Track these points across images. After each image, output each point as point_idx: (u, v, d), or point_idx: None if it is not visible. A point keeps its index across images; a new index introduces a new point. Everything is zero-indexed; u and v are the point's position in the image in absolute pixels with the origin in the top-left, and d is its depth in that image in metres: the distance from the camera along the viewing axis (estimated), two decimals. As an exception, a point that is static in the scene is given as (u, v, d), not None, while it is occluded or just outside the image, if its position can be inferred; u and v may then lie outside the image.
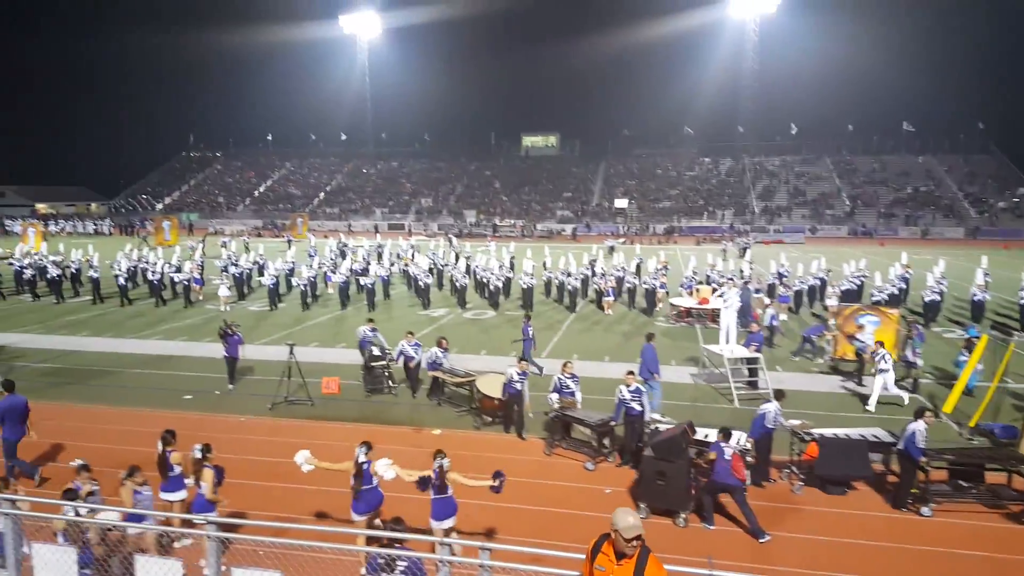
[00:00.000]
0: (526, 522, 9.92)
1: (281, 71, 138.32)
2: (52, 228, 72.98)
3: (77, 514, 7.05)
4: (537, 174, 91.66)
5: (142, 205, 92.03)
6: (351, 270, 30.08)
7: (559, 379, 12.69)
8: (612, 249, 47.89)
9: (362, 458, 8.60)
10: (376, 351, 16.10)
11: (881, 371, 14.83)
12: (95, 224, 78.28)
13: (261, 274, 31.76)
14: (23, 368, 18.58)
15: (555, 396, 12.55)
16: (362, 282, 28.55)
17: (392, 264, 34.56)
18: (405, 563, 6.27)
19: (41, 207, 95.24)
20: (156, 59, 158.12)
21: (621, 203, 79.71)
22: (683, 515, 9.73)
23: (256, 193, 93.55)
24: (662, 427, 11.42)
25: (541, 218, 79.04)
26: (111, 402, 15.72)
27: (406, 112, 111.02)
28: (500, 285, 28.29)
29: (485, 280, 29.57)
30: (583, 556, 5.54)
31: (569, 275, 28.18)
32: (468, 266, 31.46)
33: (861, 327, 17.73)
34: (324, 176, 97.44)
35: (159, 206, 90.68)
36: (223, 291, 27.66)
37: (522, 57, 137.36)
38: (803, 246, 58.53)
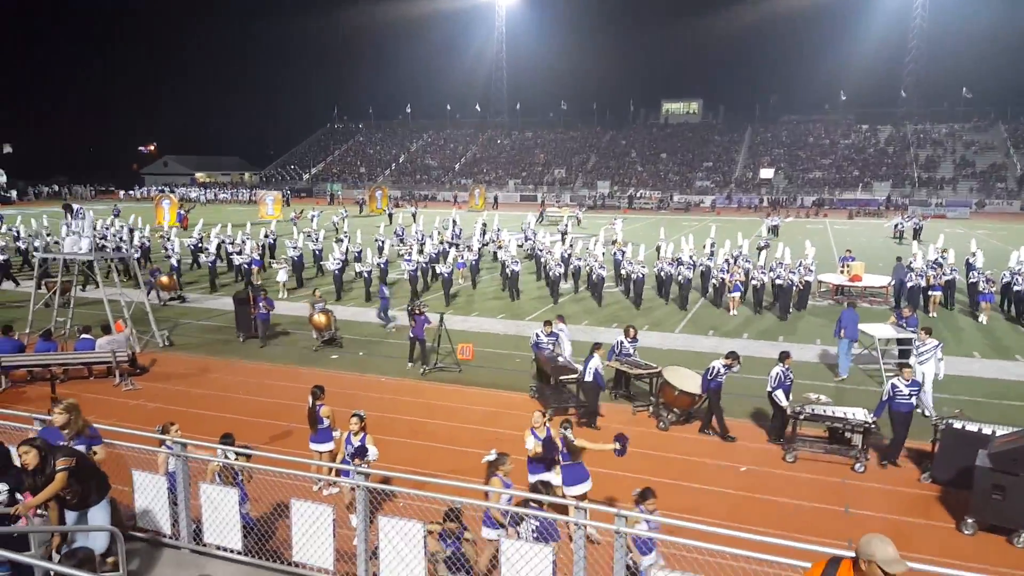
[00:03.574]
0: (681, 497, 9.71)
1: (421, 41, 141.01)
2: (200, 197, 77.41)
3: (226, 458, 7.59)
4: (675, 142, 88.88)
5: (290, 175, 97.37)
6: (430, 256, 26.50)
7: (783, 372, 11.49)
8: (776, 229, 41.49)
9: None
10: (561, 360, 14.02)
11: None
12: (251, 192, 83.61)
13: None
14: (188, 325, 20.36)
15: (781, 392, 11.43)
16: (438, 270, 24.29)
17: (484, 245, 31.07)
18: (537, 523, 6.34)
19: (200, 176, 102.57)
20: (303, 34, 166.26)
21: (767, 173, 75.67)
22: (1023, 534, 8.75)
23: (395, 164, 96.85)
24: (956, 423, 10.05)
25: (679, 189, 76.77)
26: (268, 359, 16.93)
27: (542, 81, 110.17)
28: (603, 274, 23.38)
29: (588, 269, 24.36)
30: (716, 529, 5.33)
31: (681, 263, 23.42)
32: (566, 254, 26.69)
33: None
34: (460, 147, 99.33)
35: (306, 176, 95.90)
36: (281, 275, 24.78)
37: (664, 19, 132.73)
38: (968, 221, 53.64)
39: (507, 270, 24.70)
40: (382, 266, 25.23)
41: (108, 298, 17.35)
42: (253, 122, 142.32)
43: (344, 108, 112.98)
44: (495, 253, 30.70)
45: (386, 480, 7.73)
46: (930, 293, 21.17)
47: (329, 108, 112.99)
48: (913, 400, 10.76)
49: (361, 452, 8.44)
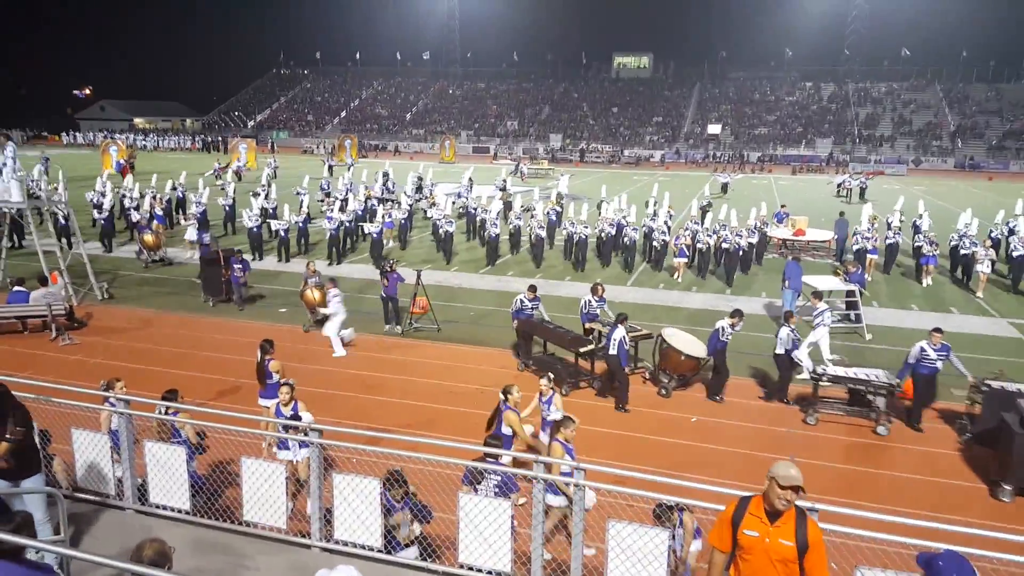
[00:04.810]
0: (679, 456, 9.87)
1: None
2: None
3: (166, 413, 7.38)
4: (626, 96, 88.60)
5: (234, 122, 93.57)
6: (355, 212, 24.42)
7: (791, 332, 11.39)
8: (726, 187, 41.02)
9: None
10: (571, 332, 12.89)
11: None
12: (193, 140, 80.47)
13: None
14: (128, 277, 19.66)
15: (799, 354, 11.35)
16: (366, 229, 22.18)
17: (417, 202, 28.77)
18: (498, 477, 6.32)
19: (139, 121, 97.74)
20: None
21: (714, 129, 76.27)
22: None
23: (344, 113, 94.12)
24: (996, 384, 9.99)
25: (629, 143, 76.82)
26: (213, 313, 16.48)
27: (494, 30, 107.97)
28: (543, 235, 22.33)
29: (528, 229, 23.11)
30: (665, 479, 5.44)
31: (625, 225, 22.47)
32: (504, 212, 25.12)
33: None
34: (411, 96, 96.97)
35: (251, 124, 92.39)
36: (190, 233, 22.58)
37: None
38: (905, 178, 55.35)
39: (440, 231, 22.92)
40: (301, 225, 22.78)
41: (43, 249, 16.57)
42: (195, 66, 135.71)
43: (291, 53, 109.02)
44: (426, 212, 27.91)
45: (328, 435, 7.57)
46: (867, 256, 20.40)
47: (275, 53, 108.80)
48: (939, 364, 10.54)
49: (296, 420, 8.24)
